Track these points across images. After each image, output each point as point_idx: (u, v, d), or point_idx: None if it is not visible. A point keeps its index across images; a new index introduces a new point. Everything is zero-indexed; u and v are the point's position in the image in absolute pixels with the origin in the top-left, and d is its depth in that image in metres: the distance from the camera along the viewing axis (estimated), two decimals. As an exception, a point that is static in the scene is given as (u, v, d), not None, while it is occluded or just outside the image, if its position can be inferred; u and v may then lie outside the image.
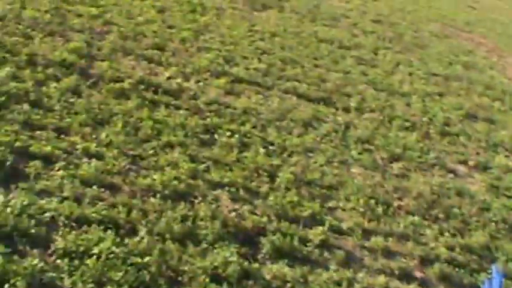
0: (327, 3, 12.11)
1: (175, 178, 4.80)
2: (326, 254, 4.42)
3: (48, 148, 4.68)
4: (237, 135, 5.74)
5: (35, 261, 3.57)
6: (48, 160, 4.59)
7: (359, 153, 6.12)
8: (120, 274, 3.69)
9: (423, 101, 8.16)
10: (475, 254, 4.99)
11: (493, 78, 10.33)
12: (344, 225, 4.86)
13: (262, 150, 5.61)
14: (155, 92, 6.19)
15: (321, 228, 4.64)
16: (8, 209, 3.88)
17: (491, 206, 5.80)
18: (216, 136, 5.67)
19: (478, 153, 6.97)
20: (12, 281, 3.38)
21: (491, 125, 8.08)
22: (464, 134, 7.41)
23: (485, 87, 9.64)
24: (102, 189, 4.45)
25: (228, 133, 5.77)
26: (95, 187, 4.43)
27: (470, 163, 6.64)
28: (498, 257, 5.00)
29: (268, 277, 4.03)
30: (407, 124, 7.27)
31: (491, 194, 6.07)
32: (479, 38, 13.37)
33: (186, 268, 3.92)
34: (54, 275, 3.54)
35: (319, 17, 10.93)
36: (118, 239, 3.96)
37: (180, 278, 3.85)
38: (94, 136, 5.06)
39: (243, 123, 6.07)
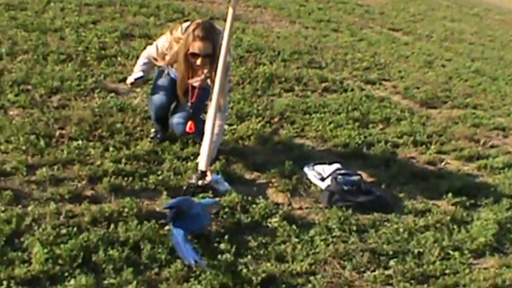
0: None
1: None
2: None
3: None
4: None
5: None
6: None
7: (16, 95, 5.88)
8: None
9: (77, 32, 8.14)
10: (141, 160, 5.46)
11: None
12: (8, 167, 4.73)
13: None
14: None
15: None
16: None
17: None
18: None
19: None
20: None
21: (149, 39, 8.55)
22: (122, 54, 7.77)
23: (140, 6, 10.08)
24: None
25: None
26: None
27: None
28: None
29: None
30: (62, 57, 7.06)
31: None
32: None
33: None
34: None
35: None
36: None
37: None
38: None
39: None
